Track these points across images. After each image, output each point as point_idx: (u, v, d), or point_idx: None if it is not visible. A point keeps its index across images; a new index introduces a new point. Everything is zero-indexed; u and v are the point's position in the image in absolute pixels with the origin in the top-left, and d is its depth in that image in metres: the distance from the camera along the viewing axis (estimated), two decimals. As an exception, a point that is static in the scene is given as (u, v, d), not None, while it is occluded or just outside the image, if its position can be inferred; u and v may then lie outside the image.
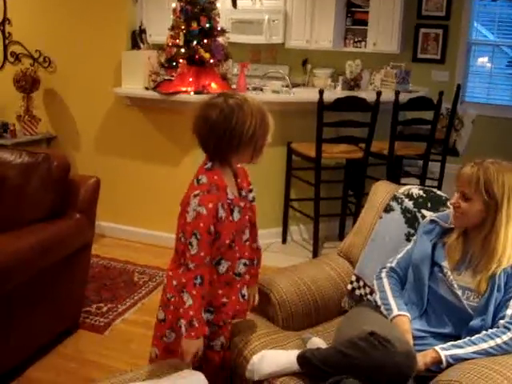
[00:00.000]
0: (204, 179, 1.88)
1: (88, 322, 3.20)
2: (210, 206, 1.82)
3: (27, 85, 4.35)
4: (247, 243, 2.03)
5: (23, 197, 2.79)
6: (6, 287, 2.44)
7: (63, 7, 4.38)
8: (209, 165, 1.91)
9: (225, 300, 2.00)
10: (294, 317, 2.28)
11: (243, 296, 2.05)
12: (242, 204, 1.95)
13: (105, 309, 3.36)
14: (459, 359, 1.81)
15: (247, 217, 2.00)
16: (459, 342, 1.87)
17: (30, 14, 4.48)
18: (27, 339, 2.71)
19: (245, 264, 2.01)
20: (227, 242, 1.91)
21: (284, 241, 4.59)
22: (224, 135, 1.83)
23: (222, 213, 1.85)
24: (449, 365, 1.82)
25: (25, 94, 4.40)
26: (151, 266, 3.96)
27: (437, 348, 1.86)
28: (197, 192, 1.84)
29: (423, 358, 1.85)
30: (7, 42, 4.58)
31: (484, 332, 1.85)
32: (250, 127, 1.83)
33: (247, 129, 1.82)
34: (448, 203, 2.13)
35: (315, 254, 4.26)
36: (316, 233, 4.26)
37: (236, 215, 1.92)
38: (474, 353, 1.82)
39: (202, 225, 1.82)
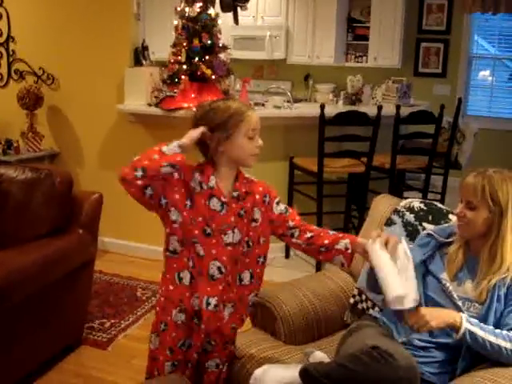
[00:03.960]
0: None
1: (91, 337, 3.20)
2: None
3: (31, 102, 4.39)
4: (229, 248, 1.95)
5: (26, 213, 2.81)
6: (9, 303, 2.44)
7: (66, 25, 4.43)
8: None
9: (195, 301, 1.93)
10: (297, 331, 2.27)
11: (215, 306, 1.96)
12: (224, 200, 1.93)
13: (108, 324, 3.35)
14: (474, 339, 1.80)
15: (232, 219, 1.94)
16: (485, 325, 1.84)
17: (33, 32, 4.54)
18: (30, 355, 2.71)
19: (219, 269, 1.93)
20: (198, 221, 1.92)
21: (287, 255, 4.58)
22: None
23: (194, 184, 1.93)
24: (460, 338, 1.81)
25: (28, 111, 4.44)
26: (154, 281, 3.94)
27: (464, 316, 1.84)
28: None
29: (446, 316, 1.83)
30: (11, 59, 4.63)
31: (506, 332, 1.82)
32: (223, 118, 1.89)
33: (221, 119, 1.89)
34: (453, 213, 2.12)
35: (318, 268, 4.25)
36: (319, 247, 4.24)
37: (214, 204, 1.92)
38: (489, 342, 1.79)
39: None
